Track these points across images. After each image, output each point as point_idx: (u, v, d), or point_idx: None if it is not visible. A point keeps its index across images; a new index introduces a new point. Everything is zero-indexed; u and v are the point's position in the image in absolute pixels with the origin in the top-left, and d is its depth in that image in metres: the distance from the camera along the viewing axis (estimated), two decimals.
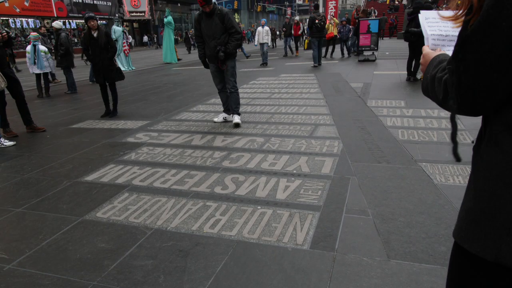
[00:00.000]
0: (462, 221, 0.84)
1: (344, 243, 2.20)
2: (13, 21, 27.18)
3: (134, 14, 36.95)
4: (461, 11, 0.77)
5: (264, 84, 8.62)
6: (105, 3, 34.75)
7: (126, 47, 13.83)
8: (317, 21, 11.16)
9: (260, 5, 53.58)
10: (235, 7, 50.87)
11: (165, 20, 15.74)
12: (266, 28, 13.33)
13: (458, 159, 1.06)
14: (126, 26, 30.71)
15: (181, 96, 7.69)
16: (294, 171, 3.32)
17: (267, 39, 13.19)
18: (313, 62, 11.38)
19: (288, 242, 2.24)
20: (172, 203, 2.84)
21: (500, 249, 0.75)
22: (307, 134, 4.41)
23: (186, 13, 47.67)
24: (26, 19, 27.88)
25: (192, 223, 2.52)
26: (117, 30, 13.60)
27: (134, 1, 36.57)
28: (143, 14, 37.62)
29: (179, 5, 44.95)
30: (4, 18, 26.39)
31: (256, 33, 13.82)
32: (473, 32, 0.70)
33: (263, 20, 13.90)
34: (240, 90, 8.00)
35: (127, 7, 36.18)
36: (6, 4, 24.59)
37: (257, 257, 2.11)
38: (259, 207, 2.69)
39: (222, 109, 6.16)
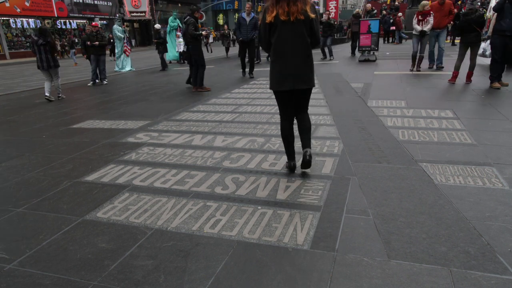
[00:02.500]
0: (270, 80, 3.11)
1: (344, 243, 2.20)
2: (13, 21, 27.22)
3: (134, 14, 36.98)
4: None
5: (265, 84, 8.61)
6: (105, 3, 34.78)
7: (128, 48, 13.86)
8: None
9: (260, 5, 53.56)
10: (236, 7, 50.88)
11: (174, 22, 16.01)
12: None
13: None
14: (127, 26, 30.71)
15: (181, 96, 7.69)
16: (295, 171, 3.31)
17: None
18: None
19: (288, 242, 2.24)
20: (172, 203, 2.84)
21: (279, 82, 3.03)
22: None
23: (186, 13, 47.70)
24: (27, 19, 27.91)
25: (192, 223, 2.52)
26: (119, 29, 13.61)
27: (135, 1, 36.59)
28: (143, 14, 37.64)
29: (179, 5, 44.96)
30: (4, 18, 26.42)
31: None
32: (260, 26, 3.11)
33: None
34: (240, 90, 8.03)
35: (127, 7, 36.21)
36: (7, 4, 24.62)
37: (257, 257, 2.11)
38: (259, 207, 2.69)
39: (222, 109, 6.17)
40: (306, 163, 3.12)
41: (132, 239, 2.37)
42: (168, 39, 16.03)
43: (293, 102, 3.16)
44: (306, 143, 3.18)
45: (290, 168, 3.30)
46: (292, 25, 2.92)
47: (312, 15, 2.94)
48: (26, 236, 2.49)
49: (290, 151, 3.31)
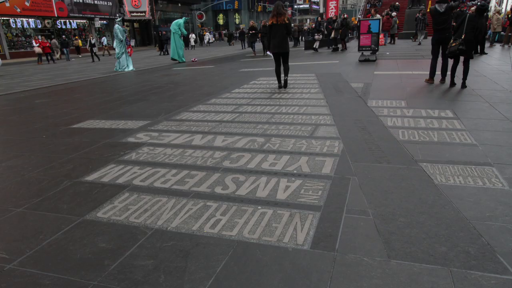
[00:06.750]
0: (272, 47, 7.64)
1: (344, 243, 2.20)
2: (13, 21, 27.22)
3: (134, 14, 36.98)
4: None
5: (265, 84, 8.62)
6: (105, 3, 34.77)
7: (132, 46, 13.97)
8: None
9: (260, 5, 53.60)
10: (236, 7, 50.89)
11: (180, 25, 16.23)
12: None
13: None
14: (127, 26, 30.66)
15: (181, 96, 7.69)
16: (295, 171, 3.32)
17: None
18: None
19: (288, 242, 2.24)
20: (172, 203, 2.84)
21: (273, 49, 7.63)
22: (308, 134, 4.41)
23: (186, 13, 47.68)
24: (27, 19, 27.92)
25: (192, 223, 2.52)
26: (121, 30, 13.62)
27: (135, 1, 36.60)
28: (143, 14, 37.65)
29: (179, 5, 44.94)
30: (4, 18, 26.42)
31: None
32: (266, 27, 8.67)
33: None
34: (240, 90, 8.04)
35: (127, 7, 36.21)
36: (7, 4, 24.61)
37: (257, 257, 2.11)
38: (259, 207, 2.69)
39: (223, 109, 6.17)
40: (283, 86, 7.66)
41: (132, 239, 2.37)
42: (172, 40, 16.30)
43: (280, 58, 7.58)
44: (285, 78, 7.63)
45: (279, 87, 7.67)
46: (279, 26, 7.28)
47: (287, 22, 7.31)
48: (26, 236, 2.49)
49: (278, 79, 7.72)
